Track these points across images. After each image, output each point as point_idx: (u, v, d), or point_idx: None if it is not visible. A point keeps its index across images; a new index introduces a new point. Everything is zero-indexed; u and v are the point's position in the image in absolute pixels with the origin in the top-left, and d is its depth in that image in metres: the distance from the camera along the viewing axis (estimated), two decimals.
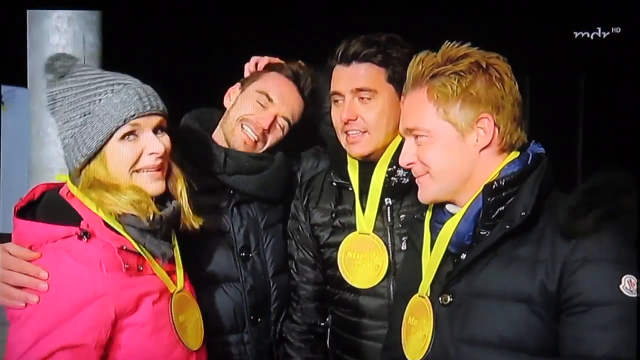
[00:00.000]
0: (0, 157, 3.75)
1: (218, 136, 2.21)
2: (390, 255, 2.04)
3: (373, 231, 2.06)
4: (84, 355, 1.59)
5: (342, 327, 2.17)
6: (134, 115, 1.68)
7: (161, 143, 1.72)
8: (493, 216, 1.61)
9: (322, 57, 2.10)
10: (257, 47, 2.27)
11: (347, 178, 2.11)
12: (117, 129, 1.67)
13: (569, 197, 1.57)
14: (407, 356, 1.72)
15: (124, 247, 1.67)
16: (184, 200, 1.81)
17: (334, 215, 2.14)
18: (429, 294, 1.70)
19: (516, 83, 1.65)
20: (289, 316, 2.25)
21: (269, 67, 2.24)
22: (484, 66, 1.63)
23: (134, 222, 1.70)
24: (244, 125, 2.16)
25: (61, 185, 1.78)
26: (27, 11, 2.19)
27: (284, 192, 2.26)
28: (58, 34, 2.14)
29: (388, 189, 2.05)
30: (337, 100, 2.06)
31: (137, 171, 1.72)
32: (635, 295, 1.48)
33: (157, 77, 1.85)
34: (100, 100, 1.67)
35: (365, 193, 2.07)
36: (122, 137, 1.68)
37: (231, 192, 2.17)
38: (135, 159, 1.70)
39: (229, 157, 2.14)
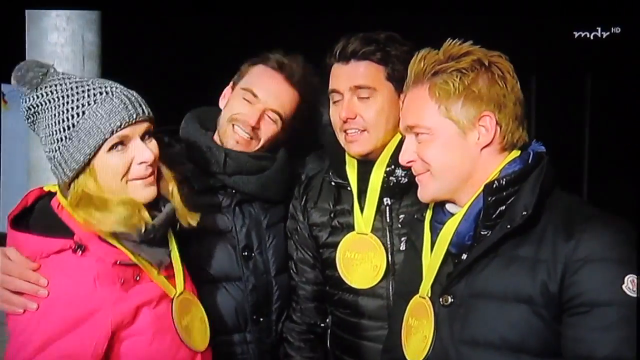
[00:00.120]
0: (1, 155, 3.75)
1: (217, 136, 2.20)
2: (389, 255, 2.03)
3: (372, 231, 2.05)
4: None
5: (341, 327, 2.17)
6: (120, 125, 1.62)
7: (150, 150, 1.67)
8: (494, 216, 1.60)
9: (322, 55, 2.08)
10: (257, 46, 2.25)
11: (345, 178, 2.10)
12: (104, 142, 1.62)
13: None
14: (407, 357, 1.71)
15: (118, 262, 1.64)
16: (176, 200, 1.77)
17: (332, 215, 2.14)
18: (429, 295, 1.69)
19: (518, 82, 1.65)
20: (289, 316, 2.24)
21: (253, 62, 2.20)
22: (487, 64, 1.62)
23: (127, 235, 1.66)
24: (234, 125, 2.14)
25: (54, 192, 1.74)
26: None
27: (285, 192, 2.25)
28: (57, 33, 2.13)
29: (387, 189, 2.03)
30: (336, 100, 2.04)
31: (128, 181, 1.67)
32: (637, 295, 1.47)
33: (157, 76, 1.84)
34: (83, 112, 1.61)
35: (364, 193, 2.06)
36: (110, 149, 1.63)
37: (233, 191, 2.16)
38: (125, 169, 1.66)
39: (228, 157, 2.12)
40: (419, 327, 1.69)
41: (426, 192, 1.70)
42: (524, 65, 1.77)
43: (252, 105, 2.13)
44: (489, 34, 1.71)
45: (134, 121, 1.64)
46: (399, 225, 2.03)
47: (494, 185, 1.60)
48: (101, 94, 1.63)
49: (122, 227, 1.64)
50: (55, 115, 1.62)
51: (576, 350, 1.49)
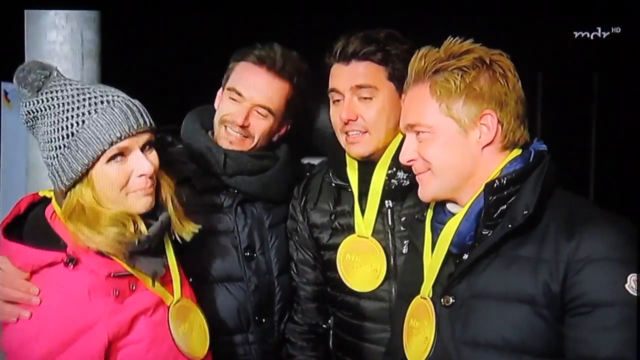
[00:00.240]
0: (2, 154, 3.75)
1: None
2: (392, 258, 2.02)
3: (373, 234, 2.03)
4: None
5: (343, 329, 2.16)
6: (120, 137, 1.58)
7: (149, 162, 1.64)
8: (495, 215, 1.59)
9: (322, 55, 2.07)
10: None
11: (346, 179, 2.08)
12: (103, 153, 1.58)
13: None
14: (408, 359, 1.70)
15: (112, 274, 1.62)
16: (170, 209, 1.73)
17: (333, 217, 2.12)
18: (430, 296, 1.68)
19: (519, 80, 1.64)
20: (290, 317, 2.24)
21: (235, 59, 2.17)
22: (488, 62, 1.61)
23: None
24: (226, 126, 2.13)
25: (48, 199, 1.72)
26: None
27: (288, 191, 2.23)
28: (56, 31, 2.11)
29: (388, 192, 2.02)
30: (336, 100, 2.03)
31: (127, 193, 1.64)
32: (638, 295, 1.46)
33: (157, 75, 1.83)
34: (83, 121, 1.57)
35: (365, 195, 2.04)
36: (109, 160, 1.59)
37: (235, 191, 2.15)
38: (124, 181, 1.62)
39: (228, 158, 2.11)
40: (420, 329, 1.67)
41: (427, 191, 1.69)
42: (529, 65, 1.77)
43: (239, 104, 2.11)
44: (492, 34, 1.70)
45: (134, 132, 1.60)
46: (401, 228, 2.02)
47: (495, 185, 1.59)
48: (102, 102, 1.59)
49: (109, 248, 1.60)
50: (54, 122, 1.59)
51: (578, 351, 1.48)
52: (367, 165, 2.04)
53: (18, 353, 1.57)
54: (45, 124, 1.60)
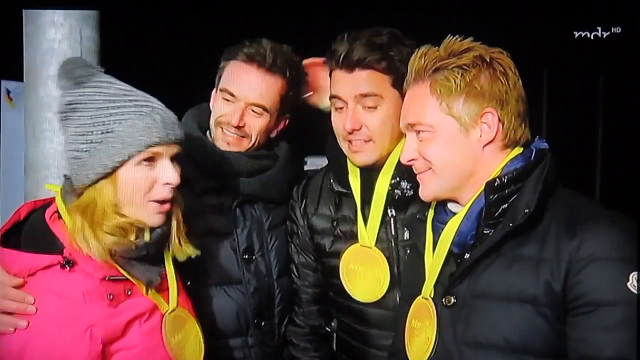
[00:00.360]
0: (2, 153, 3.75)
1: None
2: (395, 267, 1.99)
3: (376, 243, 2.00)
4: None
5: (348, 333, 2.14)
6: (157, 142, 1.62)
7: (177, 173, 1.66)
8: (496, 214, 1.58)
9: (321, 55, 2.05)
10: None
11: (347, 186, 2.05)
12: (137, 153, 1.61)
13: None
14: None
15: (107, 277, 1.61)
16: (174, 225, 1.73)
17: (334, 223, 2.09)
18: (432, 296, 1.67)
19: (520, 78, 1.63)
20: (291, 320, 2.22)
21: (225, 58, 2.13)
22: (488, 60, 1.60)
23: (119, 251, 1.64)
24: (222, 128, 2.10)
25: (47, 204, 1.72)
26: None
27: (288, 191, 2.20)
28: (54, 28, 2.10)
29: (391, 201, 1.99)
30: (338, 106, 1.98)
31: (148, 201, 1.65)
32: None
33: (157, 73, 1.82)
34: (124, 120, 1.60)
35: (368, 203, 2.01)
36: (139, 162, 1.62)
37: (234, 192, 2.12)
38: (148, 187, 1.64)
39: (227, 159, 2.09)
40: (421, 329, 1.67)
41: (428, 190, 1.68)
42: (530, 65, 1.76)
43: (232, 104, 2.08)
44: (492, 34, 1.69)
45: (170, 142, 1.64)
46: (404, 237, 1.99)
47: (496, 183, 1.58)
48: (145, 107, 1.62)
49: (98, 254, 1.60)
50: (93, 116, 1.61)
51: (581, 351, 1.47)
52: (369, 172, 2.01)
53: (15, 356, 1.56)
54: (84, 116, 1.62)
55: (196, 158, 2.07)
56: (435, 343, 1.62)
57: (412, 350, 1.69)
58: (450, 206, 1.69)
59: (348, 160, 2.04)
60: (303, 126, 2.21)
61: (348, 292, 2.04)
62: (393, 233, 2.00)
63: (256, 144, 2.13)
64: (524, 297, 1.52)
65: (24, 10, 2.15)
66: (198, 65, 2.18)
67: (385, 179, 1.97)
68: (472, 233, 1.61)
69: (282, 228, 2.21)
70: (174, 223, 1.73)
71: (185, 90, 1.99)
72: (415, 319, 1.69)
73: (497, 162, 1.62)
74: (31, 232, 1.66)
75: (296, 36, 2.20)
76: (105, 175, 1.61)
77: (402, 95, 1.87)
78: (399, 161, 1.92)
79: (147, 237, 1.67)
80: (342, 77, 1.94)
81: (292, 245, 2.19)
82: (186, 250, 1.76)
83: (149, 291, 1.69)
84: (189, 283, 1.86)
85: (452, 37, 1.65)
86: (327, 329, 2.21)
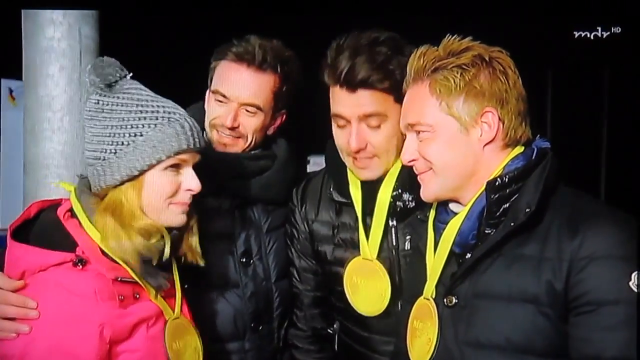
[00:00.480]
0: (2, 152, 3.75)
1: None
2: (396, 277, 1.97)
3: (378, 254, 1.98)
4: None
5: (350, 337, 2.13)
6: (185, 150, 1.66)
7: (199, 181, 1.70)
8: (497, 214, 1.57)
9: (321, 55, 2.03)
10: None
11: (348, 196, 2.02)
12: (166, 159, 1.64)
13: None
14: None
15: (119, 278, 1.62)
16: (193, 232, 1.78)
17: (335, 231, 2.07)
18: (433, 296, 1.67)
19: (520, 77, 1.62)
20: (292, 324, 2.21)
21: (215, 59, 2.10)
22: (487, 59, 1.60)
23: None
24: (217, 130, 2.07)
25: (57, 203, 1.73)
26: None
27: (288, 191, 2.18)
28: (53, 27, 2.08)
29: (393, 213, 1.97)
30: (341, 124, 1.94)
31: (170, 204, 1.69)
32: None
33: (156, 71, 1.82)
34: (155, 125, 1.63)
35: (369, 214, 1.98)
36: (166, 168, 1.65)
37: (232, 194, 2.10)
38: (172, 192, 1.68)
39: (225, 161, 2.06)
40: (423, 330, 1.66)
41: (429, 191, 1.67)
42: (530, 64, 1.76)
43: (225, 105, 2.05)
44: (486, 34, 1.69)
45: (196, 150, 1.69)
46: (405, 247, 1.98)
47: (496, 183, 1.57)
48: (174, 113, 1.66)
49: (128, 255, 1.63)
50: (125, 119, 1.63)
51: (583, 351, 1.47)
52: (370, 183, 1.98)
53: (22, 350, 1.56)
54: (113, 118, 1.64)
55: None
56: (436, 343, 1.62)
57: (414, 351, 1.68)
58: (452, 206, 1.68)
59: (349, 170, 2.02)
60: (305, 124, 2.19)
61: (352, 305, 2.02)
62: (394, 243, 1.98)
63: (253, 143, 2.11)
64: (526, 297, 1.52)
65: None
66: (198, 64, 2.17)
67: (387, 191, 1.95)
68: (473, 233, 1.61)
69: (280, 231, 2.19)
70: (191, 225, 1.76)
71: (185, 89, 1.98)
72: (417, 319, 1.69)
73: (498, 162, 1.61)
74: (42, 231, 1.67)
75: (296, 34, 2.19)
76: (132, 178, 1.64)
77: None
78: (400, 172, 1.92)
79: (167, 240, 1.69)
80: (344, 96, 1.88)
81: (293, 250, 2.17)
82: (195, 256, 1.79)
83: (157, 297, 1.70)
84: (185, 286, 1.84)
85: (451, 36, 1.64)
86: (329, 330, 2.20)
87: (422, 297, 1.69)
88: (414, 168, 1.70)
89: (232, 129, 2.06)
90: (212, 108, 2.08)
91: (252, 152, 2.13)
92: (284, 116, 2.17)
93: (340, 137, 1.95)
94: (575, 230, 1.50)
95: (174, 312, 1.74)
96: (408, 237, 1.98)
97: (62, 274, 1.59)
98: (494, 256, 1.57)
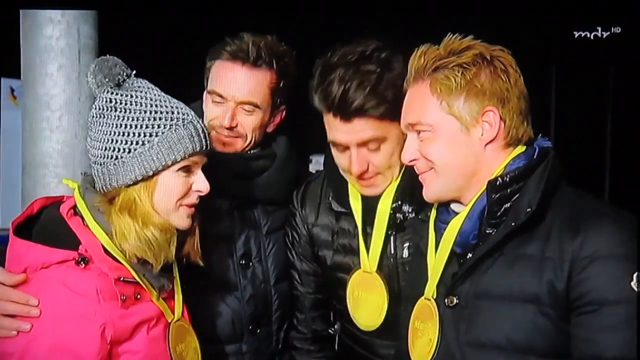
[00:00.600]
0: (1, 150, 3.76)
1: None
2: (395, 285, 1.96)
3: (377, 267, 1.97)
4: None
5: (351, 339, 2.12)
6: (198, 150, 1.66)
7: (208, 183, 1.71)
8: (498, 214, 1.57)
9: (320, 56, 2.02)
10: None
11: (348, 207, 2.01)
12: (181, 160, 1.64)
13: None
14: None
15: (121, 278, 1.62)
16: (195, 232, 1.78)
17: (335, 236, 2.07)
18: (434, 296, 1.66)
19: (521, 76, 1.62)
20: (293, 327, 2.20)
21: (209, 58, 2.09)
22: (489, 58, 1.59)
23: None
24: (216, 130, 2.05)
25: (60, 200, 1.72)
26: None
27: (287, 192, 2.16)
28: (51, 25, 2.07)
29: (393, 225, 1.96)
30: (340, 150, 1.92)
31: (180, 206, 1.69)
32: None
33: (155, 71, 1.81)
34: (171, 126, 1.63)
35: (369, 224, 1.97)
36: (179, 169, 1.66)
37: (232, 195, 2.09)
38: (183, 193, 1.68)
39: (224, 162, 2.03)
40: (424, 330, 1.66)
41: (431, 191, 1.66)
42: (530, 64, 1.75)
43: (222, 105, 2.04)
44: (486, 34, 1.68)
45: (207, 152, 1.71)
46: (403, 255, 1.97)
47: (497, 182, 1.57)
48: (188, 115, 1.67)
49: (149, 250, 1.64)
50: (140, 118, 1.63)
51: (585, 351, 1.46)
52: (371, 196, 1.97)
53: (23, 348, 1.56)
54: (128, 117, 1.63)
55: None
56: (437, 344, 1.61)
57: (415, 352, 1.68)
58: (453, 206, 1.68)
59: (350, 184, 2.00)
60: (306, 122, 2.17)
61: (353, 319, 2.01)
62: (392, 251, 1.98)
63: (252, 142, 2.09)
64: (527, 297, 1.51)
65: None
66: (197, 63, 2.16)
67: (387, 202, 1.94)
68: (474, 233, 1.60)
69: (280, 232, 2.17)
70: (195, 227, 1.76)
71: (185, 88, 1.97)
72: (418, 320, 1.68)
73: (499, 161, 1.60)
74: (44, 228, 1.67)
75: (295, 36, 2.18)
76: (146, 178, 1.64)
77: None
78: (399, 184, 1.92)
79: (174, 239, 1.69)
80: (339, 125, 1.85)
81: (294, 253, 2.16)
82: (199, 253, 1.79)
83: (159, 298, 1.70)
84: (184, 287, 1.83)
85: (451, 35, 1.64)
86: (330, 331, 2.19)
87: (423, 298, 1.68)
88: (415, 168, 1.69)
89: (231, 128, 2.04)
90: (210, 109, 2.07)
91: (252, 151, 2.12)
92: (284, 112, 2.15)
93: (341, 159, 1.94)
94: (577, 229, 1.49)
95: (173, 313, 1.74)
96: (406, 245, 1.97)
97: (64, 272, 1.59)
98: (495, 256, 1.57)
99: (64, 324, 1.56)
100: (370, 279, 1.97)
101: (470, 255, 1.61)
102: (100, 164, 1.65)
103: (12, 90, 4.06)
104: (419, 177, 1.69)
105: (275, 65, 2.04)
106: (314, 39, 2.09)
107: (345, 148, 1.89)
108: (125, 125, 1.63)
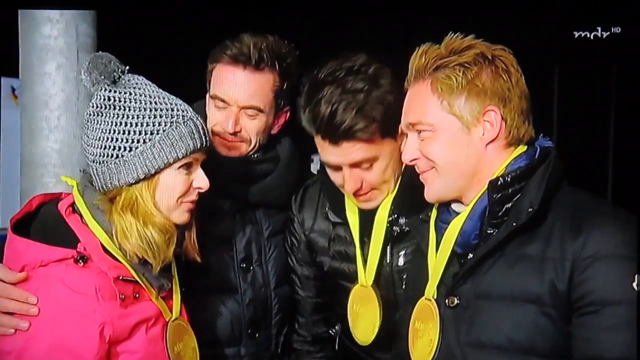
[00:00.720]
0: (1, 149, 3.76)
1: None
2: (392, 294, 1.96)
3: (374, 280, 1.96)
4: None
5: (352, 341, 2.10)
6: (199, 148, 1.66)
7: (207, 179, 1.71)
8: (500, 214, 1.56)
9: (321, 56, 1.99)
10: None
11: (344, 218, 2.01)
12: (183, 157, 1.64)
13: None
14: None
15: (120, 277, 1.62)
16: (193, 229, 1.78)
17: (331, 243, 2.06)
18: (435, 297, 1.66)
19: (522, 75, 1.61)
20: (294, 330, 2.20)
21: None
22: (490, 57, 1.58)
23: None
24: (220, 135, 2.03)
25: (58, 197, 1.72)
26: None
27: (289, 195, 2.14)
28: (50, 24, 2.07)
29: (389, 238, 1.95)
30: (334, 170, 1.91)
31: (180, 203, 1.69)
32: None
33: (155, 70, 1.81)
34: (172, 123, 1.62)
35: (366, 236, 1.96)
36: (180, 167, 1.65)
37: (234, 198, 2.07)
38: (184, 191, 1.68)
39: (226, 166, 2.02)
40: (425, 331, 1.65)
41: (432, 191, 1.65)
42: (545, 64, 1.74)
43: (225, 110, 2.01)
44: (486, 34, 1.67)
45: (207, 149, 1.71)
46: (399, 263, 1.96)
47: (499, 182, 1.56)
48: (188, 112, 1.67)
49: (149, 250, 1.63)
50: (140, 116, 1.62)
51: (586, 351, 1.46)
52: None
53: (21, 347, 1.55)
54: (126, 115, 1.62)
55: None
56: (438, 344, 1.60)
57: (416, 352, 1.67)
58: (454, 206, 1.67)
59: (346, 196, 1.99)
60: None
61: (352, 334, 2.01)
62: (388, 260, 1.97)
63: (256, 145, 2.06)
64: (528, 297, 1.51)
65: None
66: (197, 63, 2.14)
67: (383, 215, 1.93)
68: (475, 233, 1.60)
69: (281, 236, 2.16)
70: (193, 222, 1.76)
71: (185, 87, 1.96)
72: (419, 320, 1.68)
73: (501, 161, 1.60)
74: (43, 226, 1.66)
75: (295, 36, 2.17)
76: (148, 177, 1.63)
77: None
78: (395, 196, 1.91)
79: (174, 237, 1.69)
80: (329, 148, 1.84)
81: (294, 258, 2.15)
82: (196, 249, 1.79)
83: (158, 297, 1.70)
84: (183, 289, 1.82)
85: (453, 34, 1.63)
86: (330, 332, 2.18)
87: (423, 298, 1.68)
88: (415, 167, 1.68)
89: (235, 133, 2.02)
90: (213, 113, 2.04)
91: (255, 155, 2.09)
92: (288, 113, 2.12)
93: (335, 177, 1.93)
94: (579, 229, 1.49)
95: (171, 312, 1.73)
96: (402, 253, 1.96)
97: (63, 270, 1.58)
98: (496, 256, 1.56)
99: (62, 323, 1.55)
100: (366, 293, 1.97)
101: (471, 255, 1.60)
102: (100, 163, 1.63)
103: (13, 90, 4.06)
104: (420, 177, 1.68)
105: (277, 67, 2.01)
106: (315, 38, 2.08)
107: (338, 168, 1.88)
108: (126, 123, 1.61)
